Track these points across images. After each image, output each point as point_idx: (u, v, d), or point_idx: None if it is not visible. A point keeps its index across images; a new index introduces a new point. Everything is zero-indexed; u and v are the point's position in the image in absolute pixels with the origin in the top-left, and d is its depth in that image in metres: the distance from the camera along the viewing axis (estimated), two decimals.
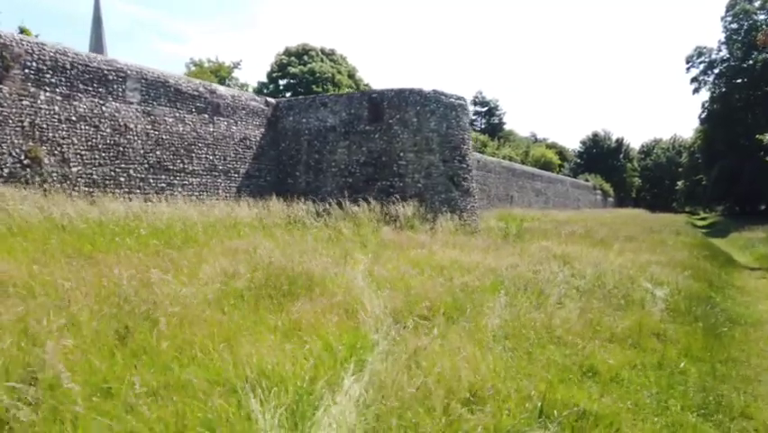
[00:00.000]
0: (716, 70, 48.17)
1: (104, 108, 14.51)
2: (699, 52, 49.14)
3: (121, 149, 14.89)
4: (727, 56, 46.91)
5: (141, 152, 15.45)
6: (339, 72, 50.22)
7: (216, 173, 18.03)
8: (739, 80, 45.71)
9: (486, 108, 79.06)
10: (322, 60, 51.25)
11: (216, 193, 17.93)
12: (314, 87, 44.53)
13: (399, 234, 14.20)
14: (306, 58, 50.86)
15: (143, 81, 15.64)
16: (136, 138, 15.32)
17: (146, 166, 15.57)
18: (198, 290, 6.52)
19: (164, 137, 16.18)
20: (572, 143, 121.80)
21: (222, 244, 9.63)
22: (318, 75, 48.13)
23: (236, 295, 6.59)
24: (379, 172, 19.20)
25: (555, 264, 11.16)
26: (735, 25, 45.57)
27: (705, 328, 7.64)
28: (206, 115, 17.77)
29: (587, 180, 74.27)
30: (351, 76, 52.40)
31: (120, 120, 14.91)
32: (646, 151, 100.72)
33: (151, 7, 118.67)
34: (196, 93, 17.38)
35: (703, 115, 50.00)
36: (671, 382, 5.62)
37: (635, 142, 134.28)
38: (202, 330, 5.22)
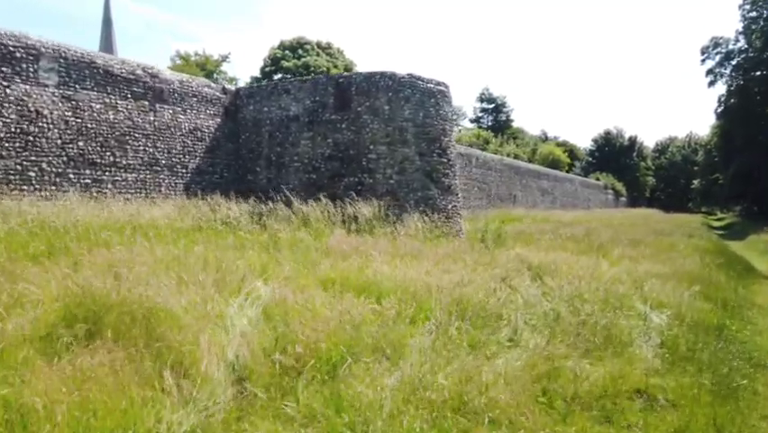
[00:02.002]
0: (733, 62, 45.23)
1: (8, 91, 12.41)
2: (716, 43, 46.23)
3: (31, 138, 12.78)
4: (745, 46, 43.95)
5: (59, 142, 13.34)
6: (335, 66, 48.04)
7: (158, 168, 15.88)
8: (758, 72, 42.74)
9: (493, 105, 76.46)
10: (317, 54, 49.16)
11: (158, 191, 15.79)
12: None
13: (352, 238, 11.95)
14: (300, 51, 48.80)
15: (62, 61, 13.53)
16: (52, 126, 13.21)
17: (64, 159, 13.45)
18: None
19: (89, 126, 14.05)
20: (584, 142, 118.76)
21: (87, 254, 7.43)
22: (313, 69, 45.98)
23: None
24: (347, 167, 16.94)
25: (524, 279, 8.85)
26: (754, 13, 42.62)
27: (715, 382, 5.28)
28: (146, 102, 15.63)
29: (598, 179, 71.50)
30: (347, 70, 50.22)
31: (30, 105, 12.80)
32: (661, 149, 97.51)
33: (164, 8, 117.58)
34: (132, 76, 15.25)
35: (719, 110, 47.06)
36: None
37: (649, 140, 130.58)
38: None
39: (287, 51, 48.40)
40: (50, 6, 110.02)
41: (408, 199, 16.69)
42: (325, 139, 17.17)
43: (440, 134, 17.60)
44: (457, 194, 18.26)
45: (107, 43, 37.88)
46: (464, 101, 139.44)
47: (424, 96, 17.26)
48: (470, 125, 72.47)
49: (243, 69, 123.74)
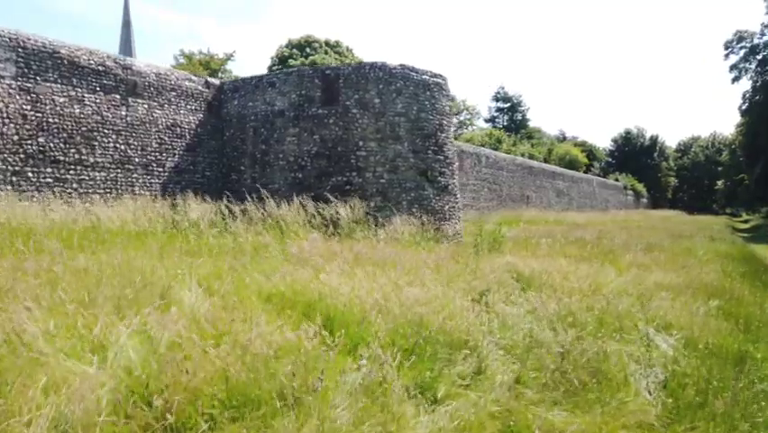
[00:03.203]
0: (758, 56, 43.03)
1: None
2: (740, 37, 44.07)
3: None
4: None
5: (15, 138, 12.34)
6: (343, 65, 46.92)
7: (131, 167, 14.83)
8: None
9: (508, 104, 74.72)
10: (326, 53, 48.08)
11: (131, 191, 14.74)
12: None
13: (325, 243, 10.73)
14: (308, 50, 47.81)
15: (20, 51, 12.54)
16: (7, 121, 12.21)
17: (22, 156, 12.45)
18: None
19: (51, 120, 13.04)
20: (604, 142, 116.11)
21: None
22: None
23: None
24: (334, 165, 15.73)
25: (510, 293, 7.55)
26: None
27: None
28: (117, 96, 14.59)
29: (617, 180, 69.41)
30: None
31: None
32: (683, 149, 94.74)
33: (182, 10, 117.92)
34: (101, 68, 14.22)
35: (744, 107, 44.86)
36: None
37: (671, 139, 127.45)
38: None
39: (294, 50, 47.45)
40: (70, 11, 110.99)
41: (401, 200, 15.44)
42: (312, 135, 15.98)
43: (436, 130, 16.31)
44: (455, 194, 16.93)
45: (126, 45, 39.19)
46: (479, 100, 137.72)
47: (418, 89, 15.98)
48: (486, 125, 70.93)
49: (251, 67, 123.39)
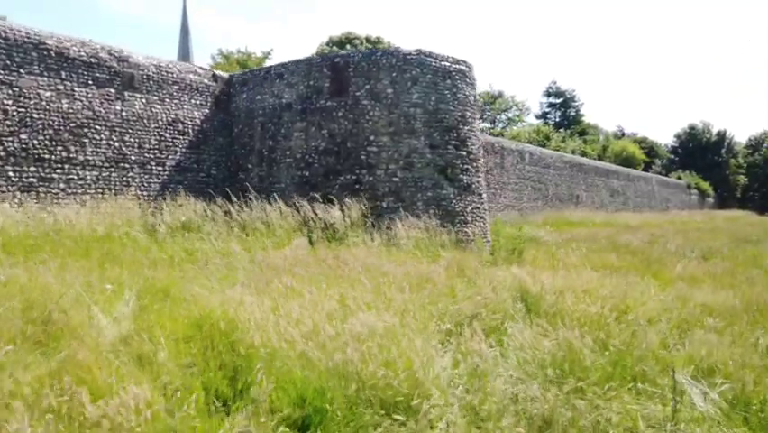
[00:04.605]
0: None
1: None
2: None
3: None
4: None
5: None
6: None
7: (127, 165, 13.92)
8: None
9: (561, 100, 71.30)
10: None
11: (126, 191, 13.83)
12: None
13: (310, 250, 9.36)
14: (348, 47, 46.78)
15: (1, 41, 11.78)
16: None
17: (1, 154, 11.66)
18: None
19: (35, 116, 12.24)
20: (666, 138, 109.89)
21: None
22: None
23: None
24: (343, 163, 14.33)
25: (497, 321, 5.92)
26: None
27: None
28: (112, 90, 13.71)
29: (679, 178, 65.04)
30: None
31: None
32: (754, 144, 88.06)
33: (237, 16, 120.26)
34: (93, 60, 13.36)
35: None
36: None
37: (740, 134, 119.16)
38: None
39: (334, 47, 46.52)
40: (130, 18, 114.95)
41: (416, 200, 13.88)
42: (320, 130, 14.65)
43: (457, 122, 14.65)
44: (480, 194, 15.21)
45: (185, 51, 40.72)
46: (529, 95, 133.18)
47: (436, 77, 14.37)
48: (537, 122, 67.92)
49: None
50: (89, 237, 8.70)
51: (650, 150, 71.36)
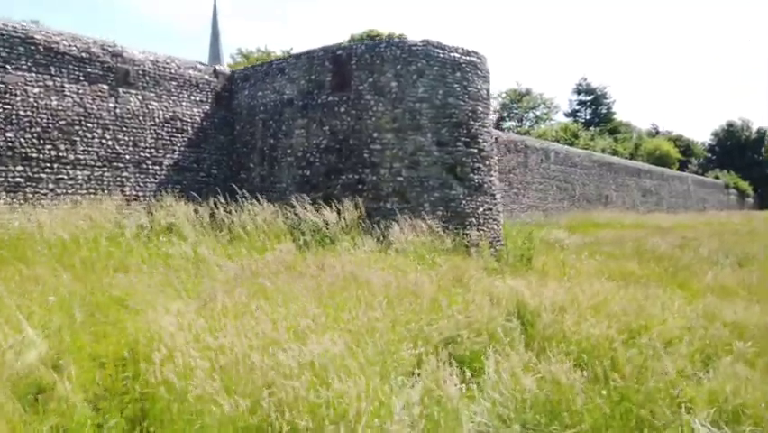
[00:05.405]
0: None
1: None
2: None
3: None
4: None
5: None
6: None
7: (121, 164, 13.38)
8: None
9: (591, 97, 69.16)
10: None
11: (121, 191, 13.29)
12: None
13: (294, 256, 8.57)
14: None
15: None
16: None
17: None
18: None
19: (22, 113, 11.76)
20: (703, 136, 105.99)
21: None
22: None
23: None
24: (345, 161, 13.52)
25: (478, 344, 5.01)
26: None
27: None
28: (105, 86, 13.18)
29: (717, 178, 62.38)
30: None
31: None
32: None
33: (268, 19, 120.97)
34: (85, 55, 12.85)
35: None
36: None
37: None
38: None
39: None
40: (162, 23, 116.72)
41: (422, 201, 12.97)
42: (321, 127, 13.86)
43: (468, 117, 13.69)
44: (493, 194, 14.20)
45: (215, 55, 41.95)
46: (558, 93, 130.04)
47: (444, 69, 13.43)
48: (566, 120, 65.94)
49: None
50: (53, 242, 8.07)
51: (686, 148, 68.75)
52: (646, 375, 4.56)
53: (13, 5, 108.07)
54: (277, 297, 5.60)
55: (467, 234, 12.60)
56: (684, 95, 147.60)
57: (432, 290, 6.74)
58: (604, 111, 68.65)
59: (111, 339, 4.93)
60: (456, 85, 13.52)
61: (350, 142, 13.45)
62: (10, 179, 11.56)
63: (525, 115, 59.30)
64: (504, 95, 54.87)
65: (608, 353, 5.00)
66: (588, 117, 67.51)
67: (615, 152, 47.94)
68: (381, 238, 10.49)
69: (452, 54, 13.57)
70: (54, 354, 4.46)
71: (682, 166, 61.45)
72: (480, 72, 14.10)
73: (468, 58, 13.85)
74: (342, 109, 13.56)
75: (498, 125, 48.84)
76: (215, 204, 11.78)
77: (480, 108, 14.01)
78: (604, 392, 4.03)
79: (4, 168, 11.48)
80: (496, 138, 24.08)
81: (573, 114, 69.05)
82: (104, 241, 8.02)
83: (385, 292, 6.31)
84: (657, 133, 76.52)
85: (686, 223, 31.97)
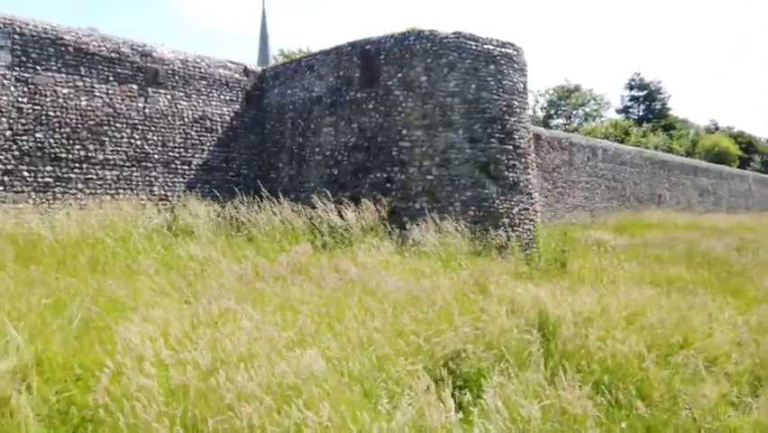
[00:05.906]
0: None
1: None
2: None
3: None
4: None
5: (8, 134, 11.26)
6: None
7: (149, 164, 13.36)
8: None
9: (644, 92, 66.42)
10: None
11: (149, 191, 13.27)
12: None
13: (311, 257, 8.18)
14: None
15: (16, 37, 11.45)
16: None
17: (15, 154, 11.34)
18: None
19: (52, 114, 11.86)
20: (766, 132, 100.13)
21: None
22: None
23: None
24: (373, 160, 13.07)
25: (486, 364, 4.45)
26: None
27: None
28: (135, 86, 13.19)
29: None
30: None
31: None
32: None
33: (310, 18, 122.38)
34: (115, 55, 12.88)
35: None
36: None
37: None
38: None
39: None
40: (213, 28, 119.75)
41: (453, 201, 12.39)
42: (350, 124, 13.47)
43: (503, 113, 13.01)
44: (530, 193, 13.46)
45: (264, 57, 42.88)
46: (609, 89, 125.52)
47: (477, 62, 12.80)
48: (618, 116, 63.52)
49: None
50: (63, 242, 7.96)
51: (748, 145, 65.06)
52: (679, 402, 3.91)
53: (73, 12, 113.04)
54: (272, 303, 5.20)
55: (499, 236, 11.93)
56: (746, 88, 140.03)
57: (447, 297, 6.20)
58: (658, 107, 65.82)
59: (94, 348, 4.63)
60: (490, 78, 12.87)
61: (378, 140, 13.00)
62: (39, 180, 11.66)
63: (574, 113, 57.35)
64: (552, 91, 53.27)
65: (636, 373, 4.35)
66: (641, 114, 64.84)
67: (669, 150, 45.74)
68: (405, 239, 9.99)
69: (485, 46, 12.92)
70: (28, 363, 4.20)
71: (744, 164, 58.18)
72: (516, 65, 13.39)
73: (503, 50, 13.17)
74: (371, 106, 13.13)
75: (545, 123, 47.39)
76: (240, 203, 11.55)
77: (515, 103, 13.30)
78: (624, 425, 3.41)
79: (34, 168, 11.59)
80: (538, 135, 23.16)
81: (625, 110, 66.46)
82: (110, 242, 7.84)
83: (393, 299, 5.82)
84: (716, 129, 72.77)
85: (746, 224, 30.02)
